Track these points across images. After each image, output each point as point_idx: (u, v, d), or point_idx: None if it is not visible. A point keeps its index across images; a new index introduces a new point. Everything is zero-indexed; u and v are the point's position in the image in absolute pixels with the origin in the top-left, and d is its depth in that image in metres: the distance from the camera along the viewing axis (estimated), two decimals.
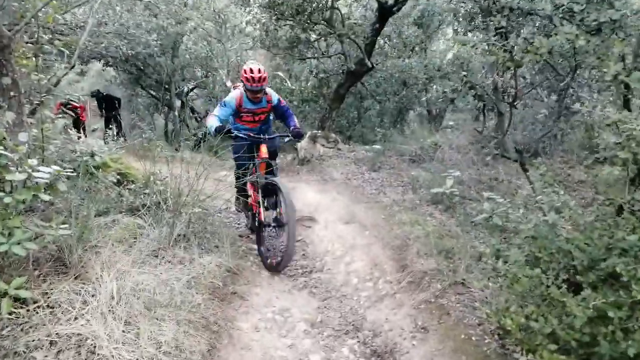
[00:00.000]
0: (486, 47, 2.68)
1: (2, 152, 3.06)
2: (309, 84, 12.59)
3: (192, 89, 16.81)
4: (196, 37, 11.53)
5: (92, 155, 5.57)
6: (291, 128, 5.24)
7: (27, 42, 5.00)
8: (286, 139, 5.40)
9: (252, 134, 5.14)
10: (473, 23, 7.53)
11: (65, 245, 3.42)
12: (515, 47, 2.91)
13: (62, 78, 5.63)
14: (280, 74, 12.97)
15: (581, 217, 2.42)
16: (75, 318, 2.91)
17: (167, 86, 15.18)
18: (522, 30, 4.57)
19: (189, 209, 4.43)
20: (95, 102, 16.01)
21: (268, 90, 5.16)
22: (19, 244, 2.98)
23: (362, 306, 4.10)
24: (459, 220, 5.60)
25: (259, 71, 4.76)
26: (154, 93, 16.49)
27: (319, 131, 9.21)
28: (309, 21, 8.60)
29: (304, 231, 5.96)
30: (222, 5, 10.27)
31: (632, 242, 1.94)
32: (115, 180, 5.96)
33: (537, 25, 5.62)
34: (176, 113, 14.84)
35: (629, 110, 2.42)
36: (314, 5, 8.41)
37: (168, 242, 4.21)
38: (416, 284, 4.09)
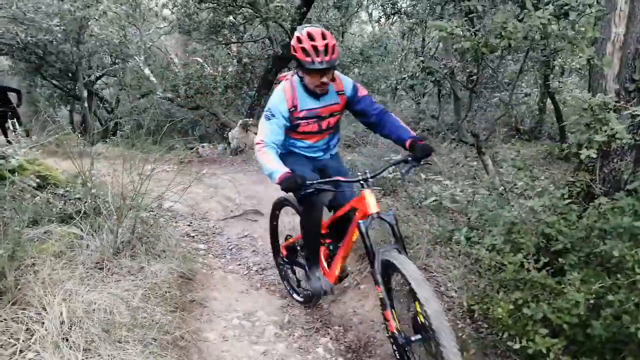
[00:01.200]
0: (460, 33, 2.65)
1: None
2: (229, 70, 12.13)
3: (99, 77, 15.60)
4: (105, 22, 10.62)
5: (4, 157, 4.96)
6: (409, 141, 2.90)
7: None
8: (410, 169, 3.05)
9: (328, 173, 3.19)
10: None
11: None
12: (487, 32, 2.93)
13: None
14: (198, 59, 12.38)
15: (559, 201, 2.49)
16: (21, 351, 2.53)
17: (72, 75, 13.97)
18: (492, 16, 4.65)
19: (134, 213, 4.05)
20: None
21: (336, 73, 3.04)
22: None
23: (326, 300, 4.01)
24: (405, 205, 5.69)
25: (323, 36, 2.71)
26: (57, 83, 15.13)
27: (250, 119, 8.91)
28: (233, 4, 8.21)
29: (251, 225, 5.76)
30: None
31: (627, 225, 2.01)
32: (35, 185, 5.35)
33: (508, 10, 5.76)
34: (85, 104, 13.69)
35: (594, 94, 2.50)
36: None
37: (112, 251, 3.83)
38: None
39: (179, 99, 10.42)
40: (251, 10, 8.85)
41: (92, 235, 3.93)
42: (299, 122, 2.99)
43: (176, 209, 6.63)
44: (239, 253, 5.16)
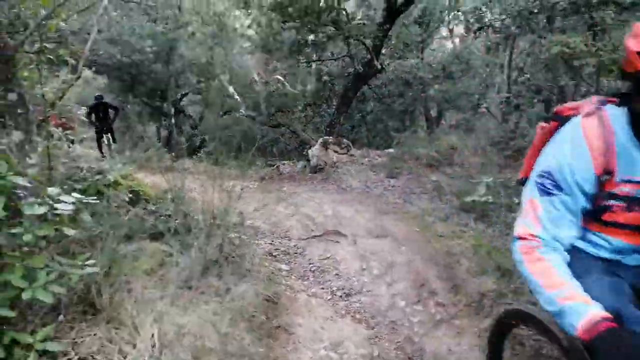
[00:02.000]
0: (584, 48, 2.35)
1: (18, 181, 2.65)
2: (308, 87, 12.20)
3: (184, 95, 16.35)
4: (194, 43, 11.10)
5: (102, 173, 5.17)
6: None
7: (28, 52, 4.56)
8: None
9: None
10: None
11: (92, 283, 3.02)
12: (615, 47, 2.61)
13: (67, 90, 5.19)
14: (279, 77, 12.59)
15: None
16: None
17: (161, 93, 14.75)
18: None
19: (222, 232, 4.02)
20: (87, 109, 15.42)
21: None
22: (44, 288, 2.59)
23: (416, 334, 3.73)
24: (500, 231, 5.29)
25: None
26: (147, 101, 16.04)
27: (331, 137, 8.84)
28: (317, 22, 8.23)
29: (332, 247, 5.58)
30: (222, 8, 9.88)
31: None
32: (128, 200, 5.55)
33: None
34: (172, 121, 14.36)
35: None
36: (322, 5, 8.04)
37: (200, 269, 3.81)
38: (475, 308, 3.74)
39: (260, 117, 10.61)
40: (333, 29, 8.83)
41: (181, 252, 3.95)
42: (610, 203, 1.55)
43: (258, 226, 6.64)
44: (322, 276, 5.00)
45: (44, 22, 4.62)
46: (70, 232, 2.87)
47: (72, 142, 14.32)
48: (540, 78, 5.78)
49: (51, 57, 4.61)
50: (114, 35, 9.63)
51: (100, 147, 14.47)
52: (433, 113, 14.33)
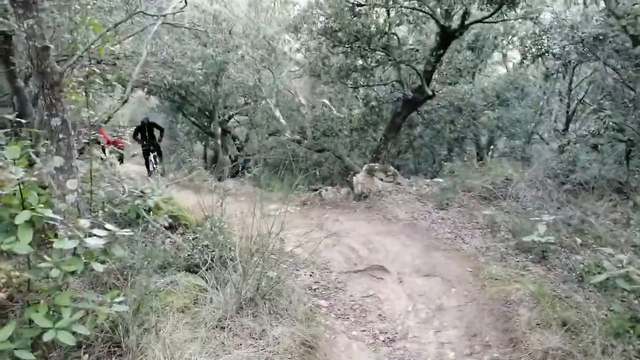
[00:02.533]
0: None
1: (49, 214, 2.51)
2: (354, 112, 11.95)
3: (231, 116, 16.51)
4: (242, 65, 11.18)
5: (143, 197, 5.08)
6: None
7: (77, 76, 4.57)
8: None
9: None
10: None
11: (120, 322, 2.84)
12: None
13: (113, 113, 5.17)
14: (325, 101, 12.45)
15: None
16: None
17: (209, 113, 14.95)
18: None
19: (260, 270, 3.78)
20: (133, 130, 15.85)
21: None
22: (66, 329, 2.42)
23: None
24: (562, 276, 4.80)
25: None
26: (195, 120, 16.32)
27: (376, 164, 8.54)
28: (367, 47, 8.03)
29: (376, 284, 5.24)
30: (272, 32, 9.89)
31: None
32: (167, 225, 5.44)
33: None
34: (219, 141, 14.48)
35: None
36: (372, 30, 7.85)
37: (234, 308, 3.57)
38: None
39: (305, 141, 10.46)
40: (384, 54, 8.61)
41: (216, 288, 3.74)
42: None
43: (298, 254, 6.39)
44: (363, 316, 4.66)
45: (93, 46, 4.63)
46: (99, 267, 2.70)
47: (122, 159, 14.72)
48: (619, 115, 5.28)
49: (99, 81, 4.60)
50: (166, 58, 9.80)
51: (147, 165, 14.77)
52: (484, 140, 13.79)
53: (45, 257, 2.54)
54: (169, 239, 4.97)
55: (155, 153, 14.19)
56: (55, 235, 2.88)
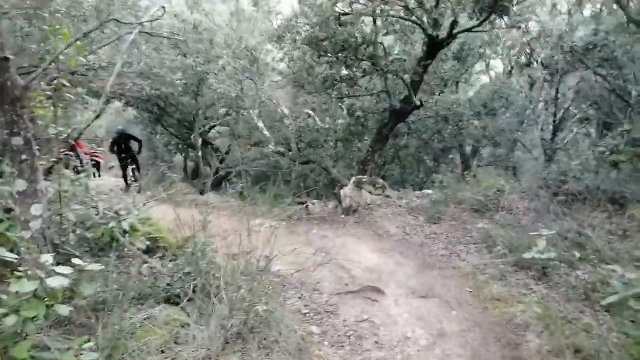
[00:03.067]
0: None
1: (3, 254, 2.16)
2: (339, 122, 11.67)
3: (212, 127, 16.10)
4: (223, 76, 10.85)
5: (118, 217, 4.71)
6: None
7: (44, 90, 4.19)
8: None
9: None
10: None
11: None
12: None
13: (85, 128, 4.76)
14: (309, 111, 12.18)
15: None
16: None
17: (188, 124, 14.54)
18: None
19: (248, 303, 3.45)
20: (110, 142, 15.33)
21: None
22: None
23: None
24: (567, 296, 4.56)
25: None
26: (174, 132, 15.87)
27: (364, 176, 8.26)
28: (353, 57, 7.79)
29: (370, 307, 4.93)
30: (254, 42, 9.58)
31: None
32: (144, 248, 5.06)
33: None
34: (199, 153, 14.07)
35: None
36: (358, 39, 7.61)
37: (220, 345, 3.22)
38: None
39: (290, 153, 10.14)
40: (370, 64, 8.38)
41: (198, 322, 3.38)
42: None
43: (284, 273, 6.08)
44: (359, 344, 4.34)
45: (62, 57, 4.26)
46: (64, 311, 2.34)
47: (99, 171, 14.18)
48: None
49: (69, 94, 4.23)
50: (143, 68, 9.41)
51: (125, 178, 14.26)
52: (468, 150, 13.67)
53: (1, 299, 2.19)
54: (146, 264, 4.60)
55: (134, 166, 13.70)
56: (14, 272, 2.52)
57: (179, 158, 19.81)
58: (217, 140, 18.23)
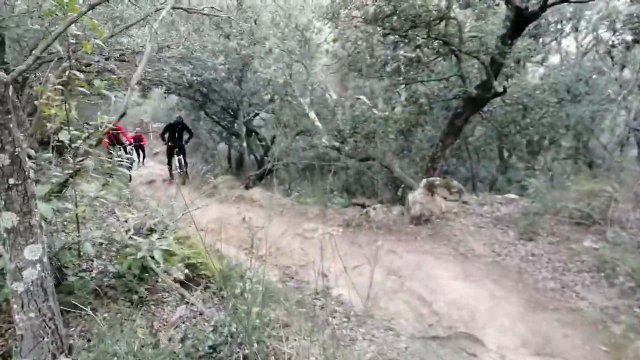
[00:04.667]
0: None
1: None
2: (396, 110, 10.35)
3: (257, 114, 15.12)
4: (270, 60, 9.79)
5: (152, 243, 3.75)
6: None
7: (54, 84, 3.24)
8: None
9: None
10: None
11: None
12: None
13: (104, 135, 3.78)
14: (362, 98, 10.94)
15: None
16: None
17: (232, 112, 13.63)
18: None
19: None
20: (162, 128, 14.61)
21: None
22: None
23: None
24: None
25: None
26: (218, 120, 15.01)
27: (437, 178, 7.02)
28: (426, 35, 6.52)
29: None
30: (306, 20, 8.43)
31: None
32: (182, 278, 4.10)
33: None
34: (244, 144, 13.13)
35: None
36: (433, 14, 6.33)
37: None
38: None
39: (346, 148, 8.98)
40: (441, 43, 7.08)
41: None
42: None
43: (347, 299, 5.05)
44: None
45: (72, 39, 3.26)
46: None
47: (143, 156, 13.50)
48: None
49: (84, 89, 3.26)
50: (183, 52, 8.46)
51: (170, 168, 13.57)
52: (545, 142, 12.08)
53: None
54: (185, 304, 3.63)
55: (181, 156, 13.00)
56: None
57: (222, 146, 19.03)
58: (262, 129, 17.29)
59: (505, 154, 11.21)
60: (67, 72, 3.19)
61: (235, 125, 13.96)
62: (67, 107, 3.21)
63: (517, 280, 4.81)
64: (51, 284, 2.60)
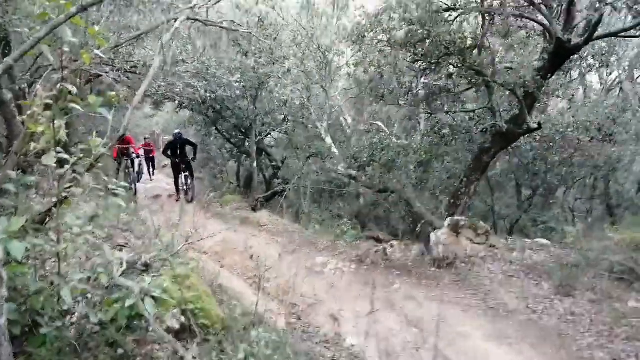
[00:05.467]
0: None
1: None
2: (415, 139, 9.79)
3: (269, 133, 14.66)
4: (288, 80, 9.38)
5: (144, 287, 3.21)
6: None
7: (44, 98, 2.76)
8: None
9: None
10: None
11: None
12: None
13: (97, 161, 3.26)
14: (379, 124, 10.47)
15: None
16: None
17: (244, 131, 13.20)
18: None
19: None
20: (163, 146, 14.20)
21: None
22: None
23: None
24: None
25: None
26: (229, 137, 14.58)
27: (462, 217, 6.46)
28: (460, 64, 6.06)
29: None
30: (328, 41, 7.99)
31: None
32: (177, 327, 3.56)
33: None
34: (254, 164, 12.65)
35: None
36: (468, 42, 5.87)
37: None
38: None
39: (364, 178, 8.46)
40: (474, 72, 6.60)
41: None
42: None
43: (360, 353, 4.50)
44: None
45: (66, 48, 2.80)
46: None
47: (153, 167, 12.99)
48: None
49: (75, 105, 2.78)
50: (199, 67, 8.06)
51: (177, 186, 13.10)
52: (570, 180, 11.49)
53: None
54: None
55: (187, 173, 12.56)
56: None
57: (232, 164, 18.57)
58: (273, 149, 16.83)
59: (524, 190, 10.64)
60: (58, 85, 2.72)
61: (246, 143, 13.53)
62: (54, 125, 2.73)
63: (559, 346, 4.21)
64: (7, 352, 2.07)
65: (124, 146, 12.60)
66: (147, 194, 14.75)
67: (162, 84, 8.01)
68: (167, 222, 10.07)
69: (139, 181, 16.15)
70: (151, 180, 16.74)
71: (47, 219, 2.95)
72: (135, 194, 14.06)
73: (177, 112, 15.64)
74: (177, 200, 13.04)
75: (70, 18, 1.97)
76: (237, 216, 11.36)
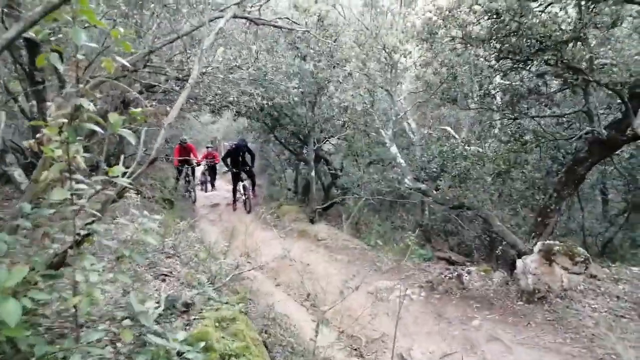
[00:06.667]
0: None
1: None
2: (490, 146, 8.71)
3: (327, 139, 14.04)
4: (348, 84, 8.70)
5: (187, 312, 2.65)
6: None
7: (58, 117, 2.25)
8: None
9: None
10: None
11: None
12: None
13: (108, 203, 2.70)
14: (448, 129, 9.54)
15: None
16: None
17: (302, 138, 12.68)
18: None
19: None
20: (225, 152, 13.97)
21: None
22: None
23: None
24: None
25: None
26: (287, 144, 14.16)
27: (557, 242, 5.47)
28: (558, 61, 5.11)
29: None
30: (395, 41, 7.21)
31: None
32: None
33: None
34: (312, 173, 12.09)
35: None
36: (567, 34, 4.93)
37: None
38: None
39: (435, 192, 7.58)
40: (571, 71, 5.60)
41: None
42: None
43: None
44: None
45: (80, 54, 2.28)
46: None
47: (214, 175, 12.67)
48: None
49: (93, 125, 2.25)
50: (254, 73, 7.55)
51: (234, 195, 12.82)
52: None
53: None
54: None
55: (245, 183, 12.29)
56: None
57: (290, 172, 18.19)
58: (330, 156, 16.21)
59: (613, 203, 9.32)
60: (71, 101, 2.20)
61: (304, 151, 13.01)
62: (68, 149, 2.20)
63: None
64: None
65: (183, 157, 12.50)
66: (206, 202, 14.61)
67: (219, 92, 7.56)
68: (223, 234, 9.67)
69: (205, 190, 16.14)
70: (213, 189, 16.65)
71: (63, 264, 2.44)
72: (194, 202, 14.01)
73: (234, 120, 15.41)
74: (234, 210, 12.77)
75: (54, 9, 1.39)
76: (295, 228, 10.83)
